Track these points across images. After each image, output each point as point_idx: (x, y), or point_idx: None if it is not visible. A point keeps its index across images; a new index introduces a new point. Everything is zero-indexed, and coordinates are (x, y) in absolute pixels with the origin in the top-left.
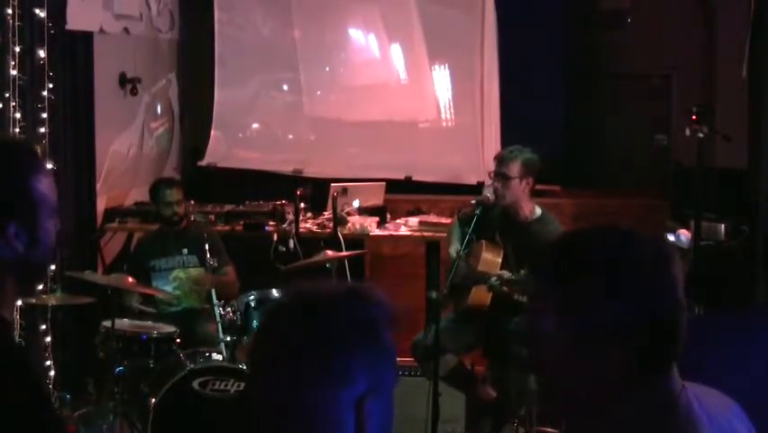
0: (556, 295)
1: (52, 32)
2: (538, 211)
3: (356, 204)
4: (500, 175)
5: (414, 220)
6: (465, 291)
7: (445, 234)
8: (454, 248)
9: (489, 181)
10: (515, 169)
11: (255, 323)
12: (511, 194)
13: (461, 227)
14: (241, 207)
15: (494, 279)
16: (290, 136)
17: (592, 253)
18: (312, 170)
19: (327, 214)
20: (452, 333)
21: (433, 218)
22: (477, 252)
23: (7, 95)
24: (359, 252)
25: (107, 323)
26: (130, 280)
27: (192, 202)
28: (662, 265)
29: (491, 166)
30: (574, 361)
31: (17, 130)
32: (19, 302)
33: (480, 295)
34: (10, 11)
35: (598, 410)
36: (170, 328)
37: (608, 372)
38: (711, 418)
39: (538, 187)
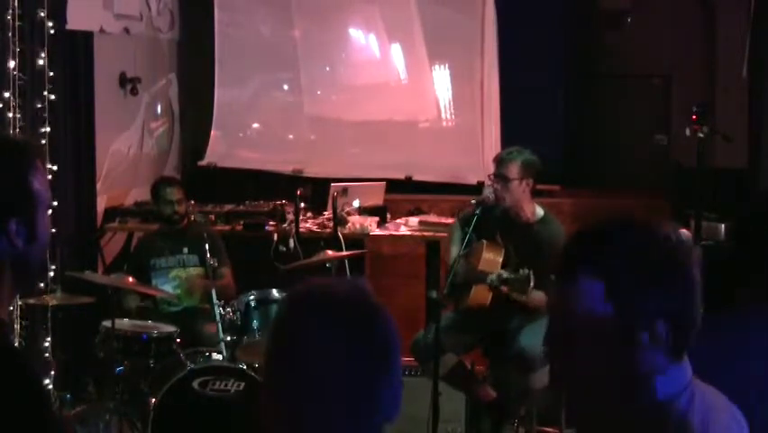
0: (593, 286)
1: (52, 31)
2: (540, 212)
3: (356, 204)
4: (500, 177)
5: (414, 220)
6: (465, 291)
7: (445, 235)
8: (455, 249)
9: (488, 182)
10: (514, 170)
11: (255, 323)
12: (512, 195)
13: (461, 229)
14: (241, 207)
15: (492, 277)
16: (290, 136)
17: (630, 242)
18: (312, 170)
19: (327, 214)
20: (452, 332)
21: (433, 218)
22: (478, 251)
23: (7, 95)
24: (359, 252)
25: (107, 323)
26: (130, 279)
27: (192, 202)
28: (688, 254)
29: (491, 166)
30: (610, 350)
31: (17, 130)
32: (19, 302)
33: (481, 294)
34: (10, 11)
35: (619, 399)
36: (170, 328)
37: (641, 358)
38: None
39: (538, 187)
